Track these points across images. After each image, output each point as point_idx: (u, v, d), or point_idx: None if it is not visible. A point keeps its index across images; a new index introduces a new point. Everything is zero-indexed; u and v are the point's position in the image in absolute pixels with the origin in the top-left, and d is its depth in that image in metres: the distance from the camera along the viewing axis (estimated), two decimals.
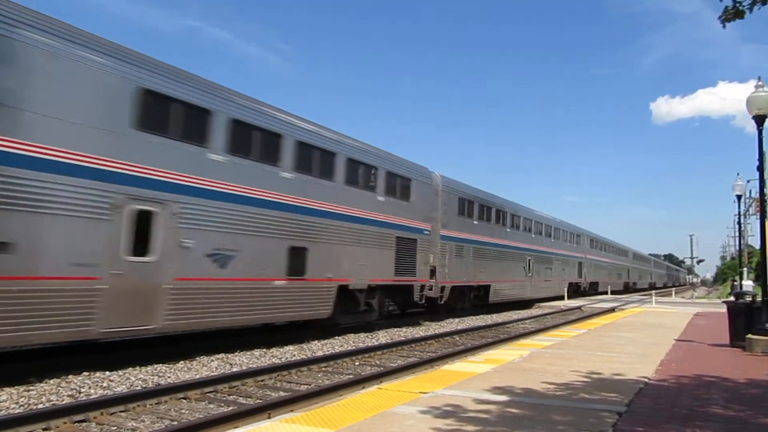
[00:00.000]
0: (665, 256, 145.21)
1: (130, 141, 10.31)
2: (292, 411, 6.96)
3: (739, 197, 32.28)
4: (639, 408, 6.30)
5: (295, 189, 14.10)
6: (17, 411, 7.22)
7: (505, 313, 26.68)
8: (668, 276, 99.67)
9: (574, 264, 41.12)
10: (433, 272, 20.61)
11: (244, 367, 10.65)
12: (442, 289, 21.31)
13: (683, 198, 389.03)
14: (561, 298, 36.51)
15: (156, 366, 10.40)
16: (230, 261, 12.11)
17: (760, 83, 11.74)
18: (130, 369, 9.98)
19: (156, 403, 7.87)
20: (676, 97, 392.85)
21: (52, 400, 7.82)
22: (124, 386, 8.88)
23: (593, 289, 46.28)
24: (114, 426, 6.95)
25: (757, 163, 12.01)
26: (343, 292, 15.68)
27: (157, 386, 8.71)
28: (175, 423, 6.94)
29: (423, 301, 20.24)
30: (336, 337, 15.34)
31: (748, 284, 31.50)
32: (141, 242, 10.38)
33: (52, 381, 8.80)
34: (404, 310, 21.07)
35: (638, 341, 13.14)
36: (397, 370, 10.77)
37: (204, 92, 11.99)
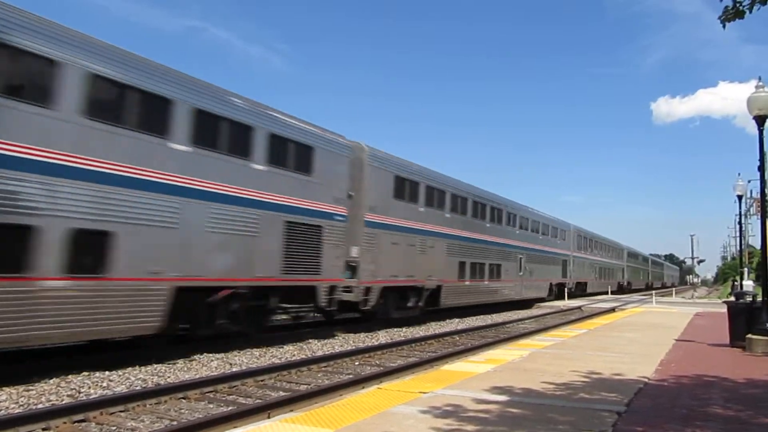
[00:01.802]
0: (666, 256, 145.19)
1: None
2: (291, 411, 6.95)
3: (740, 197, 32.23)
4: (639, 408, 6.31)
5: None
6: (17, 411, 7.22)
7: (505, 313, 26.79)
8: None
9: (618, 269, 59.68)
10: (565, 274, 39.33)
11: (244, 367, 10.65)
12: (574, 283, 41.16)
13: (684, 198, 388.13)
14: (612, 292, 52.22)
15: (156, 366, 10.40)
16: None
17: (760, 83, 11.74)
18: (130, 369, 9.99)
19: (156, 403, 7.87)
20: (677, 97, 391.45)
21: (51, 400, 7.83)
22: (123, 386, 8.88)
23: (628, 287, 62.78)
24: (114, 426, 6.96)
25: (758, 163, 12.01)
26: (551, 286, 35.60)
27: (157, 386, 8.72)
28: (175, 423, 6.94)
29: (568, 291, 38.53)
30: (336, 337, 15.35)
31: (748, 284, 31.45)
32: (520, 268, 29.69)
33: (51, 381, 8.80)
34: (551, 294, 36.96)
35: (638, 341, 13.14)
36: (397, 369, 10.77)
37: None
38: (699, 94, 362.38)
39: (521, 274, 29.97)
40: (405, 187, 19.33)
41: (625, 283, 62.00)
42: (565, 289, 38.40)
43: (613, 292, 52.55)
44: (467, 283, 23.64)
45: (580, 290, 42.93)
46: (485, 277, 25.57)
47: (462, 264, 23.20)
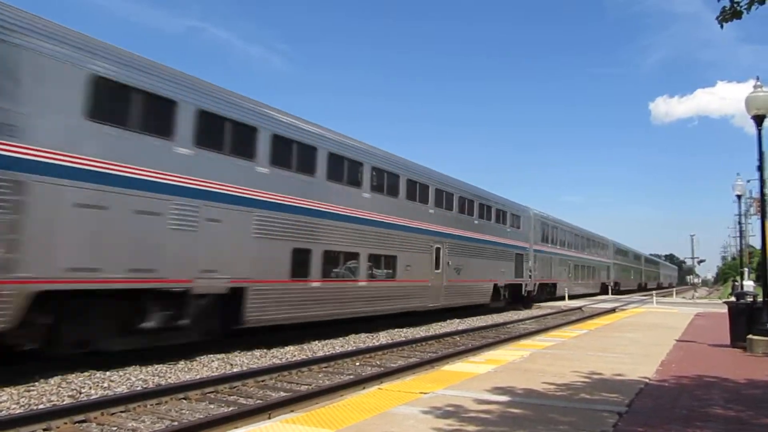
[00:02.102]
0: (666, 256, 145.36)
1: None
2: (292, 411, 6.96)
3: (739, 197, 32.26)
4: (639, 408, 6.31)
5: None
6: (18, 411, 7.23)
7: (505, 313, 26.80)
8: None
9: (602, 267, 52.94)
10: (520, 273, 30.56)
11: (245, 368, 10.66)
12: (535, 284, 32.91)
13: (683, 198, 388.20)
14: (594, 295, 46.95)
15: (156, 366, 10.40)
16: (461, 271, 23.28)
17: (758, 83, 11.73)
18: (131, 369, 9.99)
19: (156, 404, 7.88)
20: (675, 97, 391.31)
21: (52, 401, 7.83)
22: (124, 386, 8.88)
23: (616, 288, 56.89)
24: (114, 426, 6.96)
25: (756, 162, 12.01)
26: (494, 288, 26.88)
27: (158, 386, 8.72)
28: (176, 423, 6.95)
29: (526, 294, 31.28)
30: (336, 338, 15.34)
31: (749, 284, 31.44)
32: (437, 262, 21.26)
33: (52, 381, 8.81)
34: (514, 299, 30.24)
35: (639, 342, 13.14)
36: (398, 370, 10.77)
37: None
38: (697, 94, 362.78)
39: (439, 271, 21.23)
40: (131, 102, 10.35)
41: (612, 284, 54.89)
42: (523, 291, 30.74)
43: (595, 295, 46.68)
44: (315, 284, 14.57)
45: (548, 293, 35.23)
46: (360, 275, 16.57)
47: (301, 253, 14.13)
